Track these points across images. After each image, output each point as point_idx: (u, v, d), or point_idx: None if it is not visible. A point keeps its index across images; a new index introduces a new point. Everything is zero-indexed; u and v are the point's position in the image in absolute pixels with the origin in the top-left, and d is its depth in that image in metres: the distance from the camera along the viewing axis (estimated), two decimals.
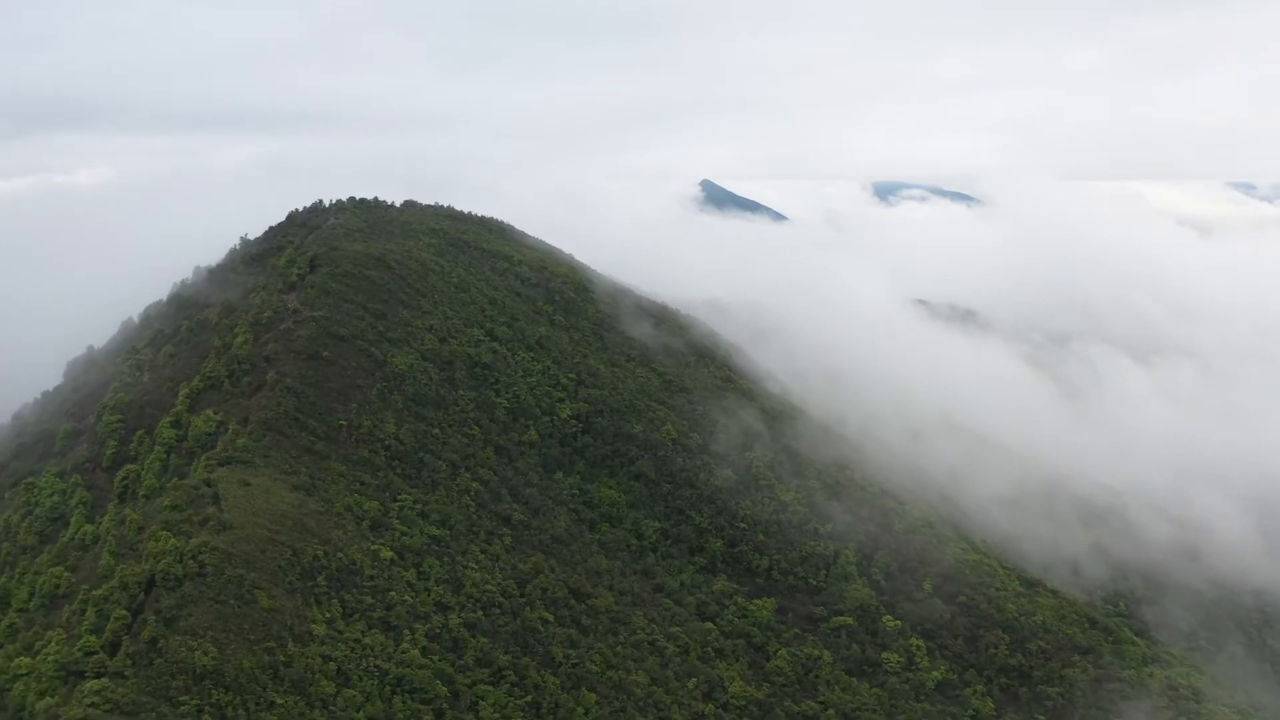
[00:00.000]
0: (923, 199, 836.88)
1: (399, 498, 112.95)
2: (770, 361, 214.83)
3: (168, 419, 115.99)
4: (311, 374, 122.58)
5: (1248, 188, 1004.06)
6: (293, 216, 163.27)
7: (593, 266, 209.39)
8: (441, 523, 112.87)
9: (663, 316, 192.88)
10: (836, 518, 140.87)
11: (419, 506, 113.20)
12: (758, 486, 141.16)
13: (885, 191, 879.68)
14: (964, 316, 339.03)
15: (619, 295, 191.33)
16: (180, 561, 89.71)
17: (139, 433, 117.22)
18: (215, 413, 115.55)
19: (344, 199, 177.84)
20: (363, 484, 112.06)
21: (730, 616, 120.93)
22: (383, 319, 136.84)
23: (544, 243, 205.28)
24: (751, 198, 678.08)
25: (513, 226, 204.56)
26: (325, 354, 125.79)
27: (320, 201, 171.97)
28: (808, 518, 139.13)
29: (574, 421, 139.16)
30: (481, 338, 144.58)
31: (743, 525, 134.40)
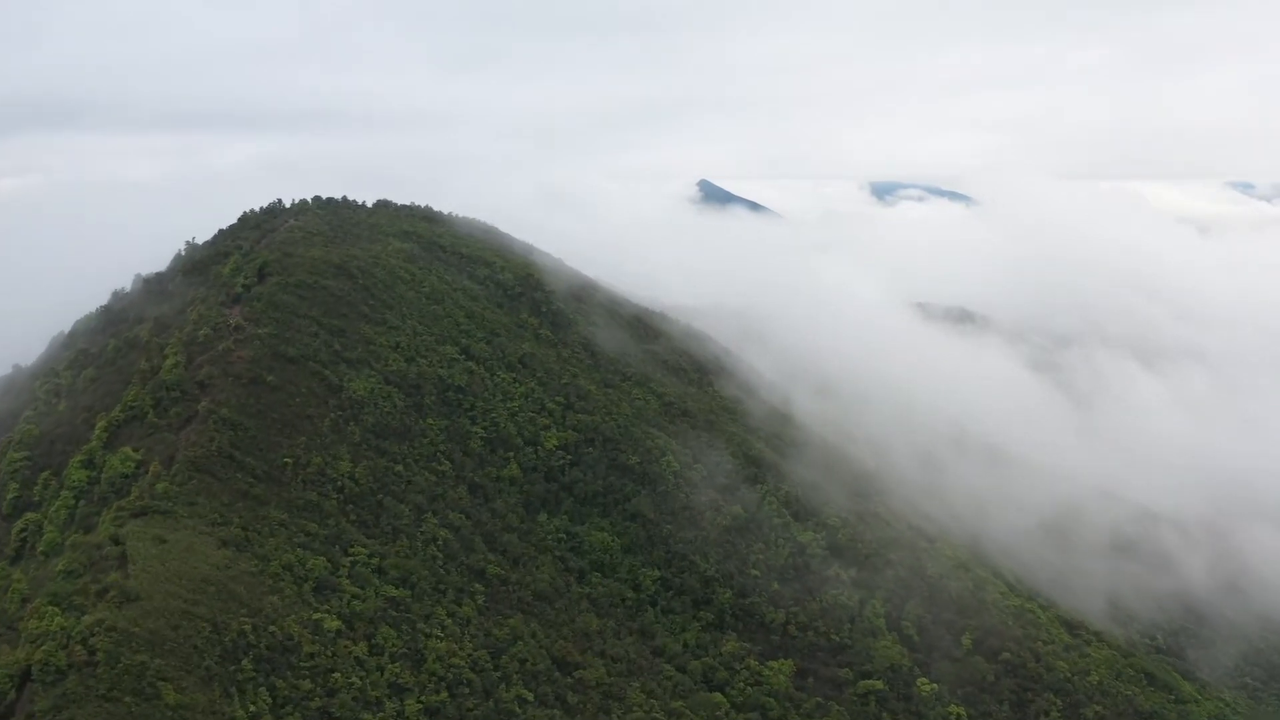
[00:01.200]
0: (920, 199, 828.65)
1: (351, 550, 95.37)
2: (774, 372, 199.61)
3: (79, 457, 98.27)
4: (252, 403, 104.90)
5: (1246, 187, 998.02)
6: (246, 218, 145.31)
7: (588, 270, 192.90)
8: (402, 580, 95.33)
9: (661, 328, 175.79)
10: (861, 561, 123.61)
11: (375, 561, 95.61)
12: (771, 525, 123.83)
13: (883, 191, 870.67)
14: (966, 319, 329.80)
15: (614, 304, 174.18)
16: (66, 647, 72.00)
17: (45, 473, 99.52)
18: (135, 450, 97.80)
19: (308, 198, 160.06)
20: (308, 535, 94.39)
21: (742, 684, 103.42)
22: (341, 336, 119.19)
23: (532, 247, 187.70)
24: (749, 197, 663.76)
25: (497, 229, 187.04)
26: (270, 379, 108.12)
27: (279, 201, 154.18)
28: (828, 561, 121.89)
29: (561, 453, 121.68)
30: (456, 356, 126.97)
31: (754, 572, 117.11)
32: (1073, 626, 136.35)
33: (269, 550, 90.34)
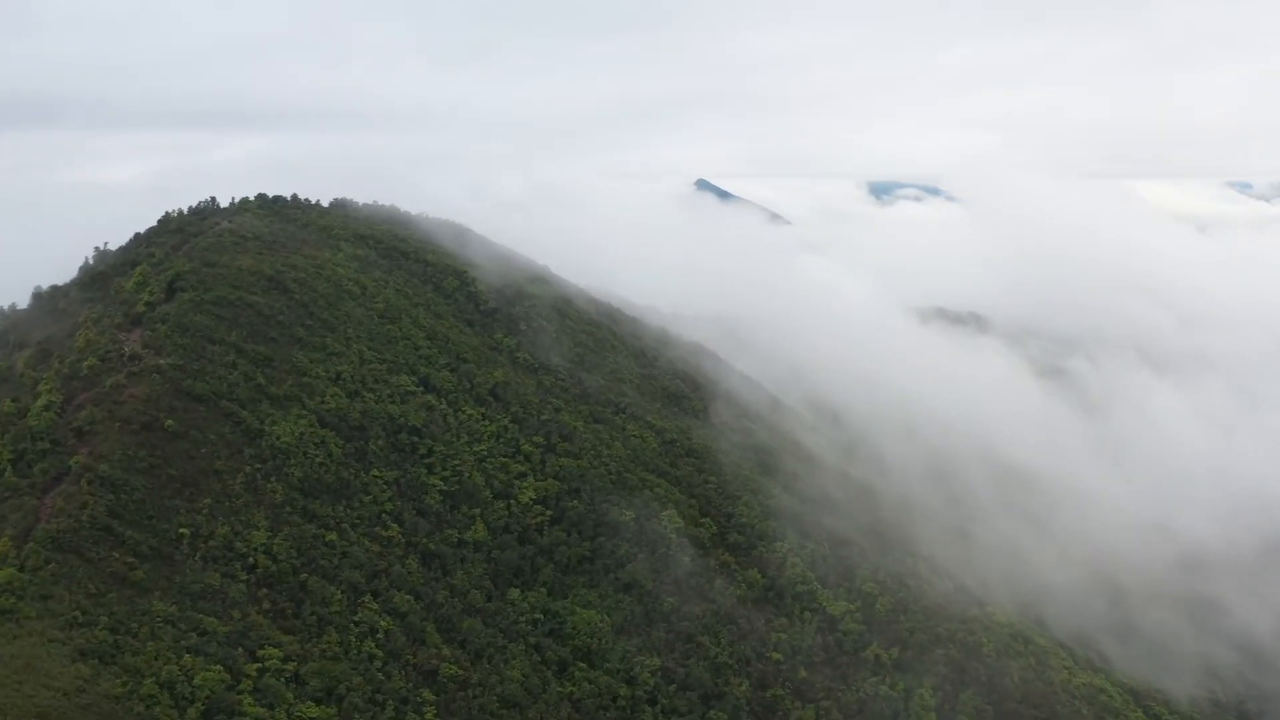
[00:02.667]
0: (918, 198, 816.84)
1: (260, 653, 73.09)
2: (778, 388, 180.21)
3: None
4: (143, 455, 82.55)
5: (1244, 186, 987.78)
6: (167, 220, 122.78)
7: (579, 277, 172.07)
8: (326, 693, 73.14)
9: (659, 347, 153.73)
10: (904, 638, 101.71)
11: (291, 667, 73.36)
12: (795, 595, 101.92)
13: (881, 191, 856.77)
14: (968, 323, 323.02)
15: (606, 319, 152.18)
16: None
17: None
18: None
19: (250, 197, 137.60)
20: (202, 635, 72.11)
21: None
22: (267, 366, 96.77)
23: (516, 254, 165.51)
24: (746, 196, 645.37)
25: (471, 230, 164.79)
26: (169, 423, 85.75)
27: (213, 200, 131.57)
28: (865, 639, 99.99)
29: (539, 508, 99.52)
30: (412, 389, 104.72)
31: (776, 656, 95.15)
32: (1140, 696, 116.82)
33: (144, 661, 68.06)
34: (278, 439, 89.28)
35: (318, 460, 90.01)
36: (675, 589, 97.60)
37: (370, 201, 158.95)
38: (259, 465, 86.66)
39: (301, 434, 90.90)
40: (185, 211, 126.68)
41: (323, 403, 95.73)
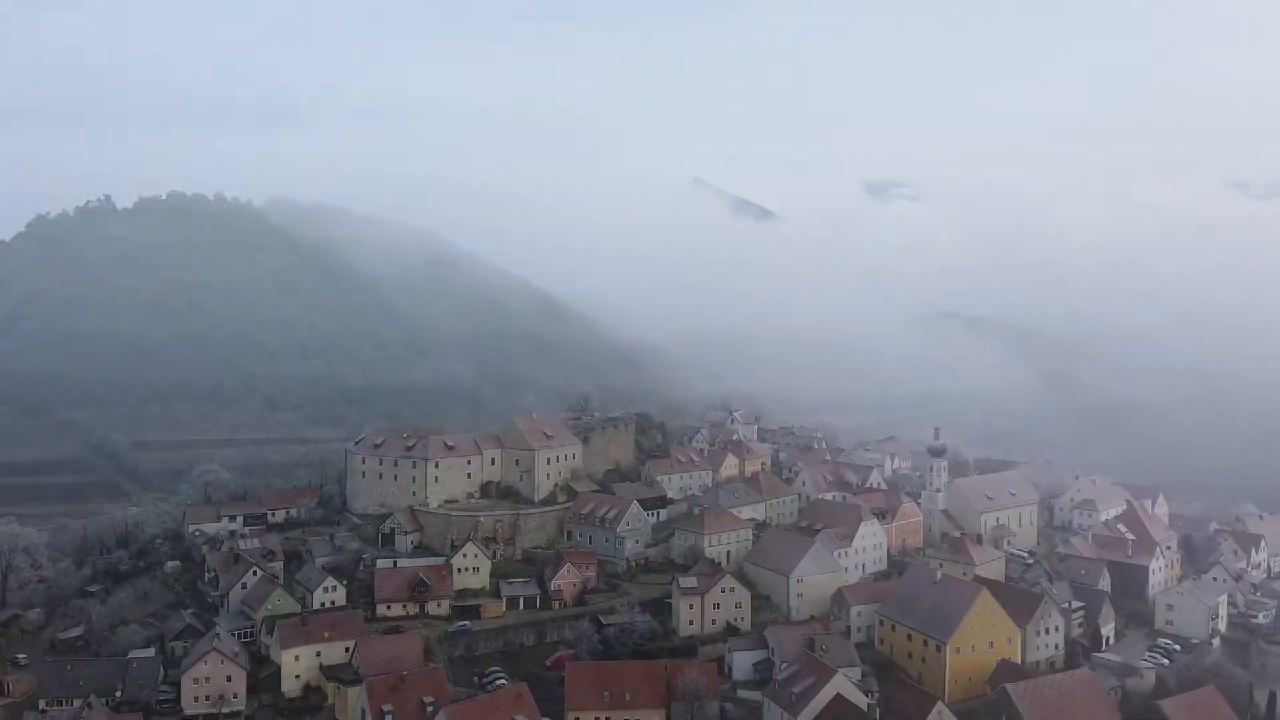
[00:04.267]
0: (914, 197, 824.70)
1: None
2: (790, 408, 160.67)
3: None
4: None
5: (1243, 186, 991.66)
6: (38, 224, 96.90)
7: (571, 280, 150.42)
8: None
9: (661, 369, 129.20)
10: None
11: None
12: None
13: (877, 190, 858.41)
14: (971, 324, 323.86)
15: (601, 342, 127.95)
16: None
17: None
18: None
19: (162, 195, 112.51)
20: None
21: None
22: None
23: (492, 262, 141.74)
24: (743, 195, 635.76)
25: (440, 234, 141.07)
26: None
27: (106, 198, 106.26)
28: None
29: None
30: None
31: None
32: None
33: None
34: None
35: None
36: None
37: (318, 201, 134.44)
38: None
39: None
40: (70, 213, 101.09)
41: None
